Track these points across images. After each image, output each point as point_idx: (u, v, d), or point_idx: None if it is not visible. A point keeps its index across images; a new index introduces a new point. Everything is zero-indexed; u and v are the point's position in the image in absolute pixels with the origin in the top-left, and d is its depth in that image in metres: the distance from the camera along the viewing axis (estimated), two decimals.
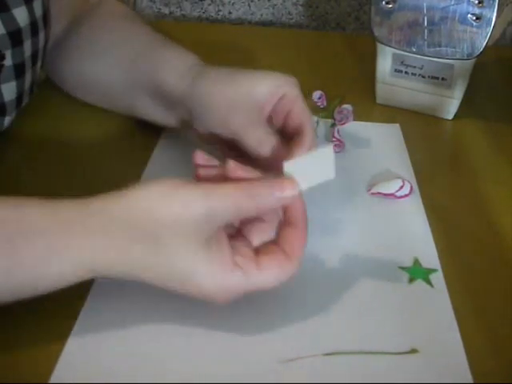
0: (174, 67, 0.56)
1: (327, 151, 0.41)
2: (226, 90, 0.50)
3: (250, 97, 0.49)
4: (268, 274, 0.40)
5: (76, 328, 0.43)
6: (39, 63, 0.60)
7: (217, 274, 0.38)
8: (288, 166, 0.40)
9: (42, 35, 0.58)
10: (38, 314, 0.43)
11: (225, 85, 0.51)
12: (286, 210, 0.42)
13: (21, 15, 0.54)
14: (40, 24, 0.57)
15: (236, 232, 0.42)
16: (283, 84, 0.49)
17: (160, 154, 0.61)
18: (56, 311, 0.44)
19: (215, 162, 0.43)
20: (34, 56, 0.58)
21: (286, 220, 0.42)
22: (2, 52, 0.53)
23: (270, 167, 0.47)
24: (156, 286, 0.39)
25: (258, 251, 0.41)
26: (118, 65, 0.62)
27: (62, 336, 0.42)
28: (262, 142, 0.48)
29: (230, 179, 0.40)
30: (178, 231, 0.37)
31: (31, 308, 0.44)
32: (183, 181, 0.38)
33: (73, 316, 0.43)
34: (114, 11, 0.67)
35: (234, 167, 0.40)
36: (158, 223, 0.37)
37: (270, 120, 0.50)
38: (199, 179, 0.42)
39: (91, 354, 0.41)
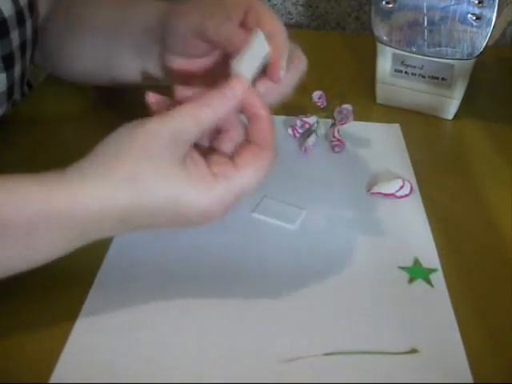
0: (149, 9, 0.56)
1: (257, 33, 0.44)
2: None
3: (218, 3, 0.49)
4: (248, 169, 0.41)
5: (76, 327, 0.43)
6: (29, 53, 0.59)
7: (200, 189, 0.39)
8: (236, 64, 0.43)
9: (28, 24, 0.58)
10: (38, 313, 0.43)
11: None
12: (245, 108, 0.43)
13: (5, 6, 0.53)
14: (26, 12, 0.57)
15: (208, 149, 0.43)
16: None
17: None
18: (56, 311, 0.44)
19: (168, 100, 0.44)
20: (23, 46, 0.57)
21: (249, 118, 0.43)
22: None
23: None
24: (153, 227, 0.40)
25: (232, 156, 0.42)
26: (99, 28, 0.61)
27: (62, 336, 0.42)
28: (219, 24, 0.47)
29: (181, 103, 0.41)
30: (149, 163, 0.38)
31: (31, 307, 0.44)
32: (142, 120, 0.40)
33: (73, 315, 0.43)
34: None
35: (182, 88, 0.42)
36: (129, 162, 0.38)
37: None
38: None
39: (91, 354, 0.41)
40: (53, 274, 0.45)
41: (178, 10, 0.51)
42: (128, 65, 0.59)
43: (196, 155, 0.41)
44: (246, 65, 0.43)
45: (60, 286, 0.46)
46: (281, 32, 0.46)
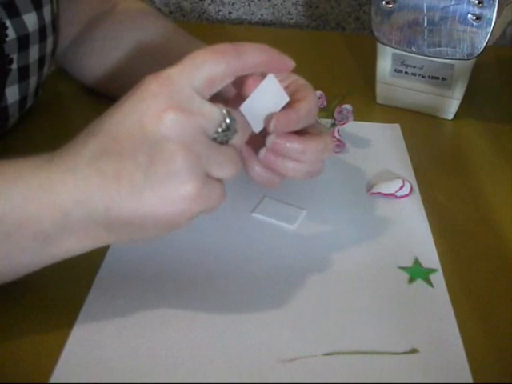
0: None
1: (270, 79, 0.41)
2: None
3: None
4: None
5: (76, 327, 0.43)
6: (46, 67, 0.61)
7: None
8: (245, 109, 0.40)
9: (50, 40, 0.59)
10: (38, 313, 0.43)
11: None
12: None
13: (30, 21, 0.55)
14: (49, 29, 0.58)
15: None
16: (294, 75, 0.49)
17: None
18: (56, 311, 0.44)
19: None
20: (41, 60, 0.59)
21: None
22: (10, 56, 0.54)
23: None
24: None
25: None
26: (143, 59, 0.63)
27: (62, 336, 0.42)
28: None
29: None
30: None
31: (31, 307, 0.44)
32: None
33: (73, 315, 0.43)
34: (137, 8, 0.69)
35: None
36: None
37: None
38: None
39: (91, 354, 0.41)
40: (53, 274, 0.45)
41: None
42: None
43: None
44: (252, 109, 0.41)
45: (60, 286, 0.46)
46: (313, 100, 0.45)
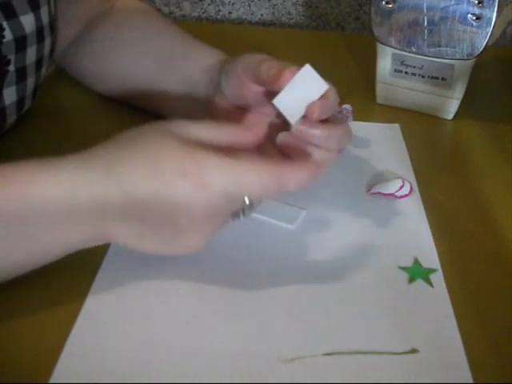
0: (201, 62, 0.58)
1: (306, 69, 0.42)
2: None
3: None
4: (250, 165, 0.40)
5: (76, 327, 0.43)
6: (44, 68, 0.61)
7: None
8: (278, 102, 0.41)
9: (47, 42, 0.59)
10: (38, 313, 0.43)
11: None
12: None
13: (27, 22, 0.54)
14: (46, 31, 0.58)
15: None
16: None
17: None
18: (56, 310, 0.44)
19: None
20: (39, 62, 0.58)
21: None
22: (7, 57, 0.54)
23: None
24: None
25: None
26: (143, 59, 0.63)
27: (62, 335, 0.42)
28: (273, 64, 0.46)
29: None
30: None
31: (31, 307, 0.44)
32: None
33: (73, 315, 0.43)
34: (136, 7, 0.69)
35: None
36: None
37: None
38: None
39: (92, 354, 0.41)
40: (53, 273, 0.45)
41: (233, 58, 0.53)
42: (172, 104, 0.61)
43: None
44: (287, 101, 0.41)
45: (60, 286, 0.46)
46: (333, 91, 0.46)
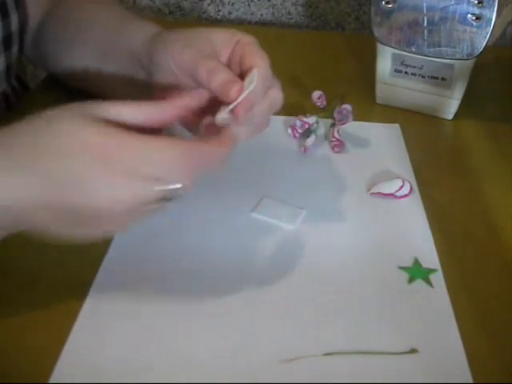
0: (140, 35, 0.56)
1: (254, 74, 0.43)
2: (184, 33, 0.50)
3: (206, 40, 0.48)
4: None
5: (76, 327, 0.43)
6: (15, 47, 0.58)
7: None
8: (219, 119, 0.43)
9: (14, 18, 0.57)
10: (38, 313, 0.43)
11: (183, 32, 0.50)
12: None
13: None
14: (10, 6, 0.56)
15: None
16: (238, 33, 0.49)
17: None
18: (56, 311, 0.44)
19: None
20: (7, 39, 0.56)
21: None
22: None
23: None
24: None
25: None
26: (90, 47, 0.61)
27: (62, 336, 0.42)
28: (213, 70, 0.46)
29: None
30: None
31: (31, 307, 0.44)
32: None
33: (73, 315, 0.43)
34: None
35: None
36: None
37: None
38: None
39: (91, 354, 0.41)
40: (53, 273, 0.45)
41: (165, 47, 0.50)
42: (117, 87, 0.59)
43: None
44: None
45: (60, 286, 0.46)
46: (262, 69, 0.45)
